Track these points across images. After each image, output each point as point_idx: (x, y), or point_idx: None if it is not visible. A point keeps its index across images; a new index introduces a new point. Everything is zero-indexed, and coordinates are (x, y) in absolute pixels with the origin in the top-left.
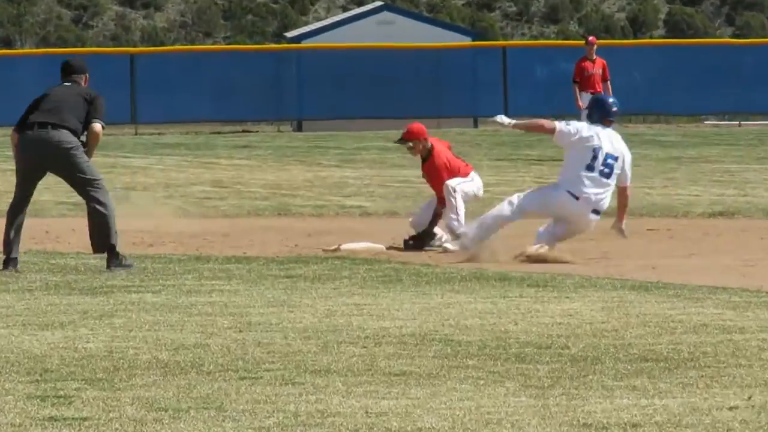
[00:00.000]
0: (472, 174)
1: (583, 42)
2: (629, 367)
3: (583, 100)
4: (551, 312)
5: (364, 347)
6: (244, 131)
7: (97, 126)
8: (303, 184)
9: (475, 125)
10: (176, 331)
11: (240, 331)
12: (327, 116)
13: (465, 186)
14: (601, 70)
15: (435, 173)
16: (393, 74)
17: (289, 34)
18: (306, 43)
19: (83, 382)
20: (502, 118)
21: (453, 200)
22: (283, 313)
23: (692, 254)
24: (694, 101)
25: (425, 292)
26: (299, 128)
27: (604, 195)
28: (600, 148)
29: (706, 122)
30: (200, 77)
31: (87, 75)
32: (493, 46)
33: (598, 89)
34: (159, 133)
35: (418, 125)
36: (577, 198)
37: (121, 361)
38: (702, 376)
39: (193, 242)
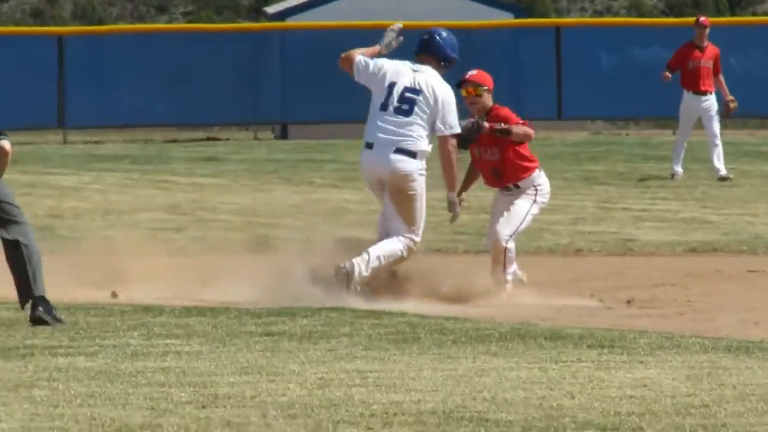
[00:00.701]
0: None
1: (682, 21)
2: None
3: (686, 101)
4: (619, 381)
5: (370, 429)
6: (209, 139)
7: (6, 143)
8: (288, 209)
9: None
10: (117, 408)
11: (203, 407)
12: (320, 119)
13: (536, 207)
14: (712, 63)
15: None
16: None
17: (271, 10)
18: (292, 21)
19: None
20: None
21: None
22: (260, 383)
23: None
24: None
25: (451, 354)
26: (283, 135)
27: (407, 135)
28: (395, 83)
29: None
30: (151, 67)
31: None
32: (542, 26)
33: (706, 88)
34: (96, 142)
35: (482, 72)
36: (371, 147)
37: None
38: None
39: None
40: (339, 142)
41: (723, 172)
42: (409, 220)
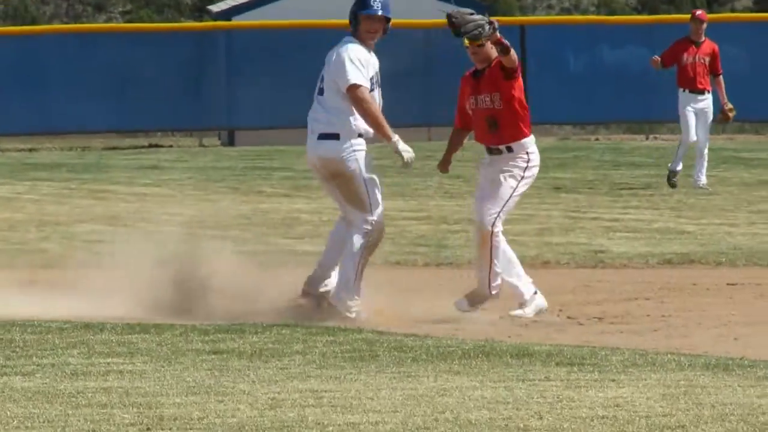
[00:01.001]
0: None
1: (656, 18)
2: None
3: (681, 101)
4: (590, 401)
5: None
6: (151, 146)
7: None
8: (236, 221)
9: None
10: (57, 430)
11: (147, 430)
12: (269, 124)
13: (523, 185)
14: (708, 60)
15: (510, 84)
16: None
17: (215, 8)
18: (238, 20)
19: None
20: None
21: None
22: (208, 403)
23: None
24: None
25: (411, 373)
26: (230, 141)
27: (325, 116)
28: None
29: None
30: (89, 70)
31: None
32: (506, 24)
33: (703, 86)
34: (30, 149)
35: None
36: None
37: None
38: None
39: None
40: (289, 148)
41: (702, 182)
42: (358, 204)
